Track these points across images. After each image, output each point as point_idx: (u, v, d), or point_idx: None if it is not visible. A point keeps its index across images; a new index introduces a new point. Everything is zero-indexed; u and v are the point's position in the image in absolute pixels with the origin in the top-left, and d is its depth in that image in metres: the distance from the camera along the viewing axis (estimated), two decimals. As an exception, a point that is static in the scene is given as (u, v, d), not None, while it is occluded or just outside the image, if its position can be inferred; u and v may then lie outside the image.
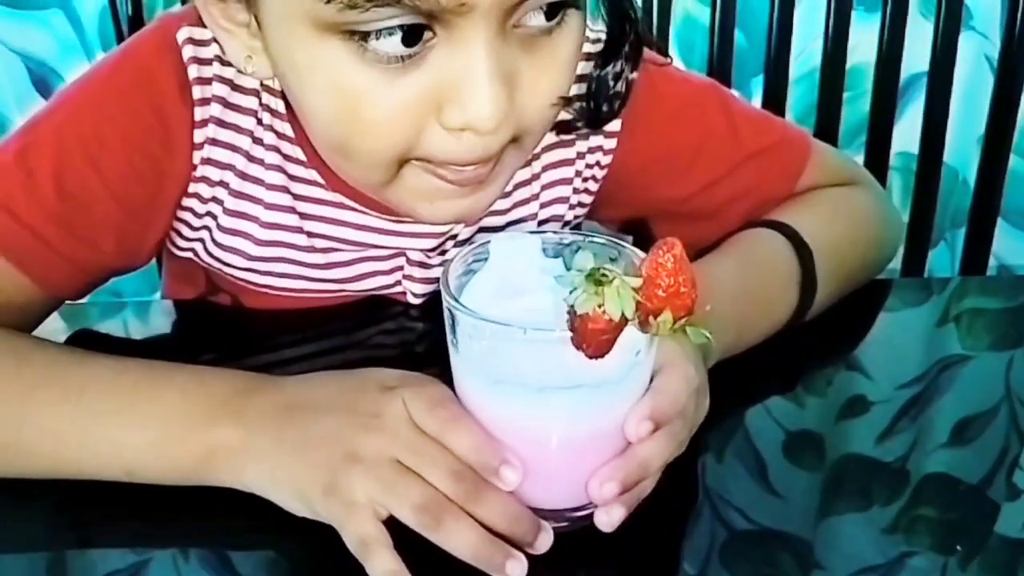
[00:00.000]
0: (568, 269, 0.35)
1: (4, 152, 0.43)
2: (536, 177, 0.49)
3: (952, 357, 0.48)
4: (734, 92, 0.56)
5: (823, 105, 0.75)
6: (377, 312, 0.50)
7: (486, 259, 0.36)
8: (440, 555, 0.33)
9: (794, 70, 0.76)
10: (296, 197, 0.47)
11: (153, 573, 0.35)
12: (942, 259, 1.00)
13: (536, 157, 0.49)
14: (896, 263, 0.66)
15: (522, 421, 0.34)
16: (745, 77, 0.86)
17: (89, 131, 0.43)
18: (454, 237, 0.49)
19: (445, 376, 0.36)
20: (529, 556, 0.34)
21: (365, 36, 0.35)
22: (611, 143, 0.49)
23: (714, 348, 0.39)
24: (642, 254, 0.33)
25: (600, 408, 0.34)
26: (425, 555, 0.33)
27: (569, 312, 0.31)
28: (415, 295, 0.50)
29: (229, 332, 0.50)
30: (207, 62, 0.44)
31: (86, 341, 0.47)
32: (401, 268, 0.50)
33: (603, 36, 0.44)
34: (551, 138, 0.48)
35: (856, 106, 0.82)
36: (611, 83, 0.43)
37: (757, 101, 0.78)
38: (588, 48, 0.43)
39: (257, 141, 0.45)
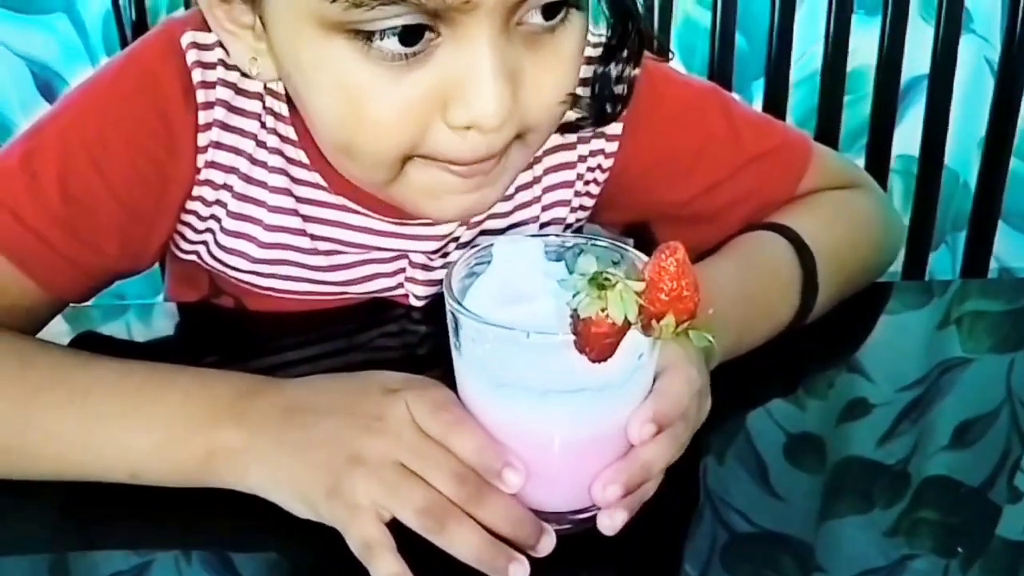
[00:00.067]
0: (570, 272, 0.35)
1: (9, 156, 0.43)
2: (538, 180, 0.50)
3: (953, 360, 0.48)
4: (735, 95, 0.57)
5: (824, 108, 0.75)
6: (379, 314, 0.50)
7: (489, 262, 0.36)
8: (443, 557, 0.33)
9: (795, 73, 0.76)
10: (299, 200, 0.47)
11: (155, 574, 0.35)
12: (943, 262, 1.00)
13: (538, 160, 0.49)
14: (897, 266, 0.66)
15: (525, 424, 0.34)
16: (746, 80, 0.86)
17: (93, 135, 0.43)
18: (456, 240, 0.49)
19: (447, 379, 0.36)
20: (531, 559, 0.34)
21: (370, 35, 0.35)
22: (612, 146, 0.49)
23: (716, 351, 0.39)
24: (644, 258, 0.33)
25: (603, 411, 0.34)
26: (428, 558, 0.33)
27: (572, 316, 0.31)
28: (417, 297, 0.50)
29: (232, 334, 0.50)
30: (211, 66, 0.44)
31: (90, 344, 0.48)
32: (403, 270, 0.50)
33: (604, 40, 0.44)
34: (553, 141, 0.48)
35: (857, 109, 0.82)
36: (614, 80, 0.43)
37: (758, 104, 0.78)
38: (590, 52, 0.43)
39: (261, 144, 0.46)
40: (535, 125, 0.39)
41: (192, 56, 0.43)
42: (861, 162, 0.76)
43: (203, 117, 0.44)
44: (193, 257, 0.49)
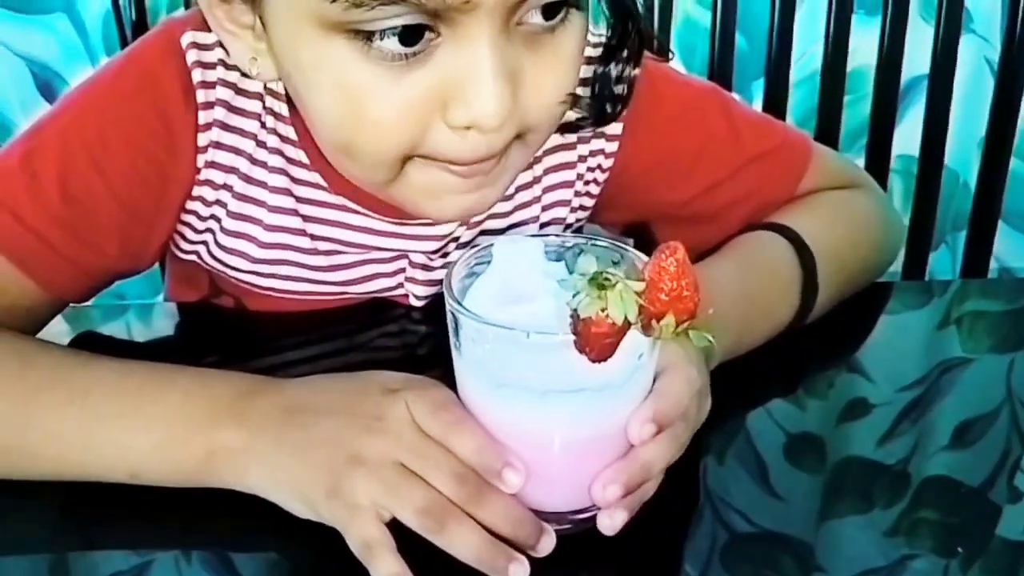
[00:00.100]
0: (570, 272, 0.35)
1: (9, 156, 0.43)
2: (538, 180, 0.50)
3: (953, 360, 0.48)
4: (735, 95, 0.57)
5: (824, 108, 0.75)
6: (379, 314, 0.50)
7: (489, 262, 0.36)
8: (443, 557, 0.33)
9: (795, 73, 0.76)
10: (299, 200, 0.47)
11: (156, 574, 0.35)
12: (943, 262, 1.00)
13: (538, 160, 0.49)
14: (897, 266, 0.66)
15: (525, 424, 0.34)
16: (746, 80, 0.86)
17: (93, 135, 0.43)
18: (456, 240, 0.49)
19: (447, 379, 0.36)
20: (531, 559, 0.34)
21: (370, 35, 0.35)
22: (612, 146, 0.49)
23: (716, 351, 0.39)
24: (644, 258, 0.33)
25: (603, 411, 0.34)
26: (428, 558, 0.33)
27: (572, 316, 0.31)
28: (417, 297, 0.50)
29: (232, 334, 0.50)
30: (211, 66, 0.44)
31: (90, 344, 0.48)
32: (403, 270, 0.50)
33: (604, 40, 0.44)
34: (553, 141, 0.48)
35: (857, 109, 0.82)
36: (614, 80, 0.43)
37: (758, 104, 0.78)
38: (590, 52, 0.43)
39: (261, 144, 0.46)
40: (535, 125, 0.39)
41: (192, 56, 0.43)
42: (861, 162, 0.76)
43: (203, 117, 0.44)
44: (193, 257, 0.49)
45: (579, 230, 0.53)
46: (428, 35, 0.35)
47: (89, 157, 0.43)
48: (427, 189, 0.40)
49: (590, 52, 0.43)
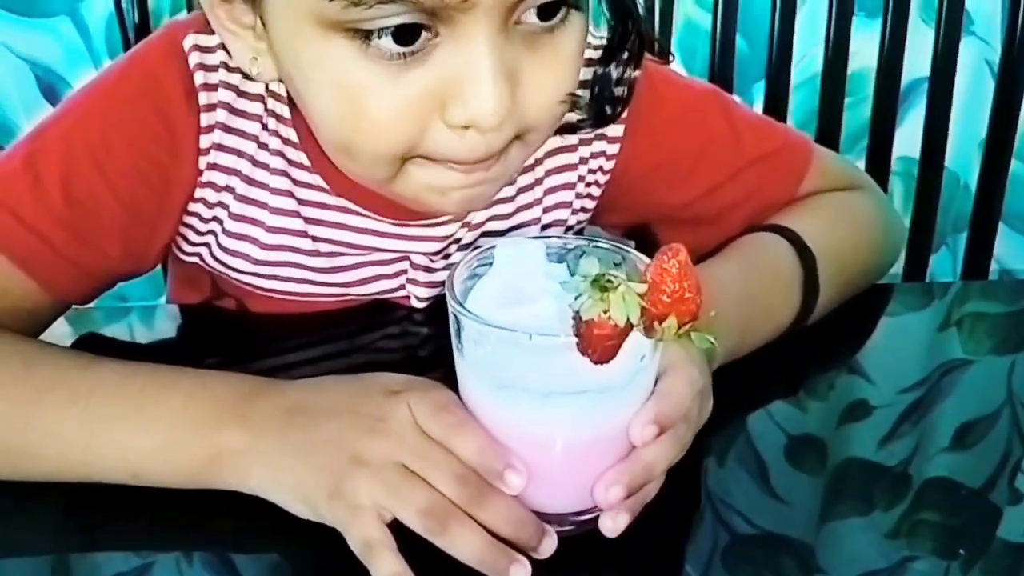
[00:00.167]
0: (572, 274, 0.35)
1: (12, 158, 0.43)
2: (539, 182, 0.50)
3: (954, 361, 0.48)
4: (735, 98, 0.57)
5: (824, 110, 0.75)
6: (381, 316, 0.50)
7: (491, 264, 0.36)
8: (443, 558, 0.33)
9: (795, 76, 0.76)
10: (301, 202, 0.47)
11: (157, 575, 0.35)
12: (943, 263, 1.00)
13: (539, 162, 0.49)
14: (898, 267, 0.66)
15: (527, 426, 0.34)
16: (746, 83, 0.86)
17: (96, 137, 0.43)
18: (458, 241, 0.50)
19: (449, 380, 0.36)
20: (533, 560, 0.34)
21: (368, 34, 0.35)
22: (614, 148, 0.50)
23: (718, 352, 0.39)
24: (646, 259, 0.33)
25: (605, 413, 0.34)
26: (429, 558, 0.33)
27: (574, 318, 0.31)
28: (419, 299, 0.50)
29: (234, 336, 0.50)
30: (213, 68, 0.44)
31: (92, 345, 0.48)
32: (405, 272, 0.50)
33: (604, 43, 0.44)
34: (554, 142, 0.48)
35: (857, 111, 0.83)
36: (614, 82, 0.43)
37: (758, 107, 0.78)
38: (591, 54, 0.43)
39: (262, 146, 0.46)
40: (535, 125, 0.39)
41: (194, 59, 0.43)
42: (862, 164, 0.76)
43: (205, 119, 0.44)
44: (195, 259, 0.49)
45: (580, 232, 0.53)
46: (426, 34, 0.35)
47: (92, 159, 0.43)
48: (429, 185, 0.40)
49: (591, 54, 0.43)
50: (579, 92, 0.41)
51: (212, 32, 0.43)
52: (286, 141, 0.46)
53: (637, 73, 0.43)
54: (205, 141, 0.44)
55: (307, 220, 0.47)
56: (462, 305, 0.34)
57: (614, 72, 0.43)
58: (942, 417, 0.44)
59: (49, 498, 0.38)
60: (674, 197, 0.51)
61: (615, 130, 0.49)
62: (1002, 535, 0.38)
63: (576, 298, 0.31)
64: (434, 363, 0.41)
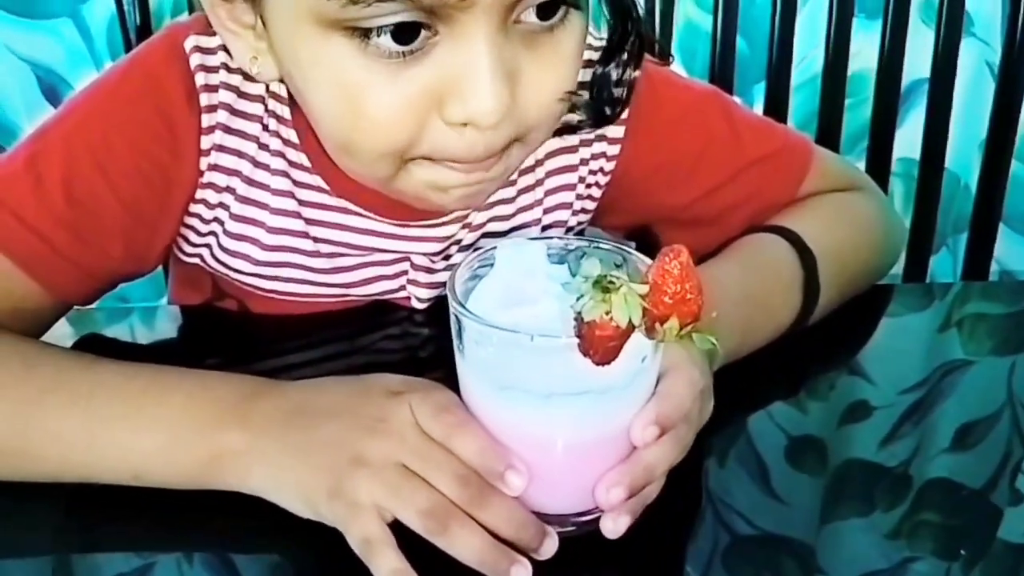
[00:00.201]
0: (573, 275, 0.35)
1: (14, 159, 0.43)
2: (540, 183, 0.50)
3: (954, 362, 0.49)
4: (736, 99, 0.57)
5: (825, 111, 0.75)
6: (382, 317, 0.50)
7: (492, 265, 0.36)
8: (444, 559, 0.33)
9: (796, 77, 0.76)
10: (301, 202, 0.47)
11: (159, 576, 0.35)
12: (944, 264, 1.00)
13: (540, 163, 0.49)
14: (898, 268, 0.66)
15: (528, 427, 0.34)
16: (747, 84, 0.86)
17: (98, 138, 0.43)
18: (458, 242, 0.50)
19: (450, 381, 0.36)
20: (534, 561, 0.34)
21: (367, 32, 0.35)
22: (614, 149, 0.50)
23: (719, 353, 0.39)
24: (647, 260, 0.33)
25: (606, 414, 0.34)
26: (430, 559, 0.33)
27: (576, 319, 0.31)
28: (420, 300, 0.50)
29: (235, 337, 0.50)
30: (214, 69, 0.44)
31: (93, 346, 0.48)
32: (406, 273, 0.50)
33: (604, 43, 0.44)
34: (555, 144, 0.48)
35: (858, 112, 0.83)
36: (614, 81, 0.43)
37: (759, 108, 0.78)
38: (591, 56, 0.44)
39: (263, 147, 0.46)
40: (534, 124, 0.39)
41: (195, 60, 0.43)
42: (862, 165, 0.77)
43: (206, 120, 0.44)
44: (196, 260, 0.49)
45: (581, 233, 0.53)
46: (425, 33, 0.36)
47: (93, 160, 0.43)
48: (430, 182, 0.40)
49: (591, 55, 0.43)
50: (579, 93, 0.41)
51: (213, 33, 0.43)
52: (287, 142, 0.46)
53: (637, 74, 0.43)
54: (206, 142, 0.45)
55: (308, 221, 0.47)
56: (463, 306, 0.34)
57: (614, 73, 0.43)
58: (942, 418, 0.44)
59: (50, 498, 0.38)
60: (674, 198, 0.51)
61: (615, 131, 0.49)
62: (1003, 536, 0.38)
63: (578, 299, 0.31)
64: (435, 364, 0.41)
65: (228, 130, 0.45)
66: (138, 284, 0.50)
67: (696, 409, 0.37)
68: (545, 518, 0.35)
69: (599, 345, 0.31)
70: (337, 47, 0.36)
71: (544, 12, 0.37)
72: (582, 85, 0.42)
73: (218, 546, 0.37)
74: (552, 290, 0.34)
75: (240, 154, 0.45)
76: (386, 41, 0.35)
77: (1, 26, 0.85)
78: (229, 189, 0.46)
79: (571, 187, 0.50)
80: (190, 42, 0.43)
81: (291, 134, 0.46)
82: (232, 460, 0.36)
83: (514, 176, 0.48)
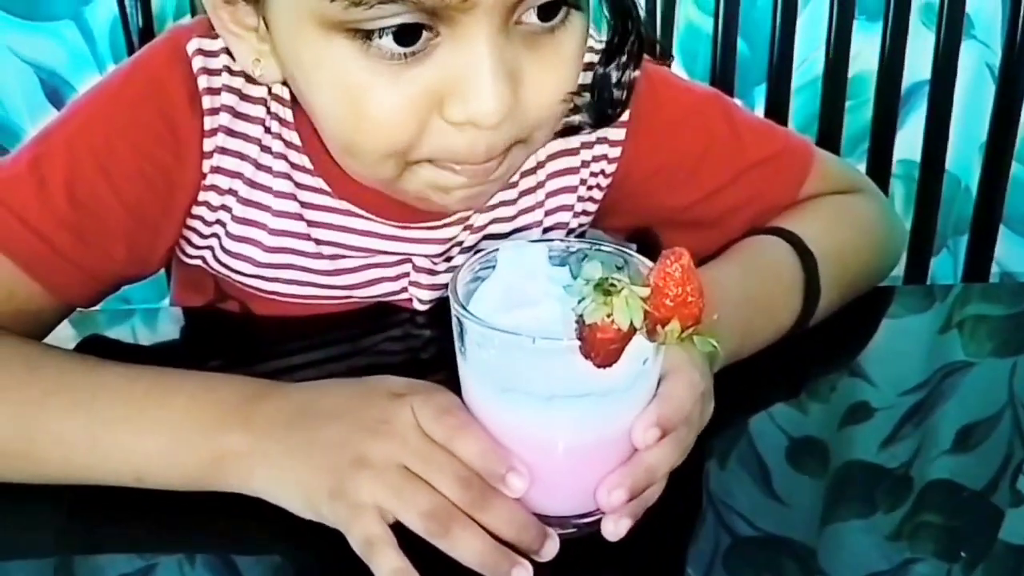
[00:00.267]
0: (574, 277, 0.35)
1: (17, 161, 0.44)
2: (541, 185, 0.50)
3: (955, 364, 0.49)
4: (737, 101, 0.57)
5: (825, 113, 0.76)
6: (384, 319, 0.50)
7: (493, 267, 0.36)
8: (444, 559, 0.34)
9: (796, 79, 0.77)
10: (303, 205, 0.47)
11: (161, 578, 0.35)
12: (944, 266, 1.00)
13: (541, 165, 0.49)
14: (899, 270, 0.66)
15: (529, 429, 0.34)
16: (748, 86, 0.86)
17: (101, 141, 0.43)
18: (460, 244, 0.50)
19: (451, 383, 0.36)
20: (535, 563, 0.34)
21: (369, 34, 0.35)
22: (615, 152, 0.50)
23: (720, 355, 0.39)
24: (649, 263, 0.33)
25: (607, 416, 0.34)
26: (432, 561, 0.33)
27: (578, 321, 0.31)
28: (421, 301, 0.50)
29: (237, 339, 0.50)
30: (216, 72, 0.44)
31: (96, 348, 0.48)
32: (407, 274, 0.50)
33: (604, 45, 0.44)
34: (556, 146, 0.48)
35: (858, 114, 0.83)
36: (614, 82, 0.43)
37: (760, 110, 0.78)
38: (591, 57, 0.44)
39: (265, 149, 0.46)
40: (536, 124, 0.39)
41: (198, 63, 0.44)
42: (863, 167, 0.77)
43: (209, 123, 0.44)
44: (199, 261, 0.49)
45: (582, 235, 0.53)
46: (427, 34, 0.36)
47: (96, 163, 0.43)
48: (432, 183, 0.40)
49: (591, 57, 0.43)
50: (580, 94, 0.41)
51: (215, 36, 0.43)
52: (289, 144, 0.46)
53: (637, 74, 0.43)
54: (208, 144, 0.45)
55: (310, 223, 0.47)
56: (465, 308, 0.34)
57: (614, 74, 0.43)
58: (943, 419, 0.44)
59: (53, 500, 0.38)
60: (675, 200, 0.51)
61: (617, 133, 0.49)
62: (1004, 537, 0.38)
63: (579, 302, 0.31)
64: (436, 366, 0.42)
65: (230, 133, 0.45)
66: (140, 286, 0.50)
67: (697, 411, 0.37)
68: (546, 520, 0.35)
69: (600, 347, 0.31)
70: (339, 49, 0.36)
71: (545, 13, 0.37)
72: (583, 87, 0.42)
73: (220, 547, 0.37)
74: (553, 292, 0.34)
75: (242, 156, 0.46)
76: (388, 42, 0.36)
77: (4, 28, 0.85)
78: (231, 191, 0.46)
79: (572, 189, 0.50)
80: (193, 45, 0.44)
81: (293, 136, 0.46)
82: (234, 461, 0.36)
83: (515, 178, 0.48)
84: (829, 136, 0.75)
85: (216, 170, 0.45)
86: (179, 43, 0.44)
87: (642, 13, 0.43)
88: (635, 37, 0.43)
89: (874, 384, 0.47)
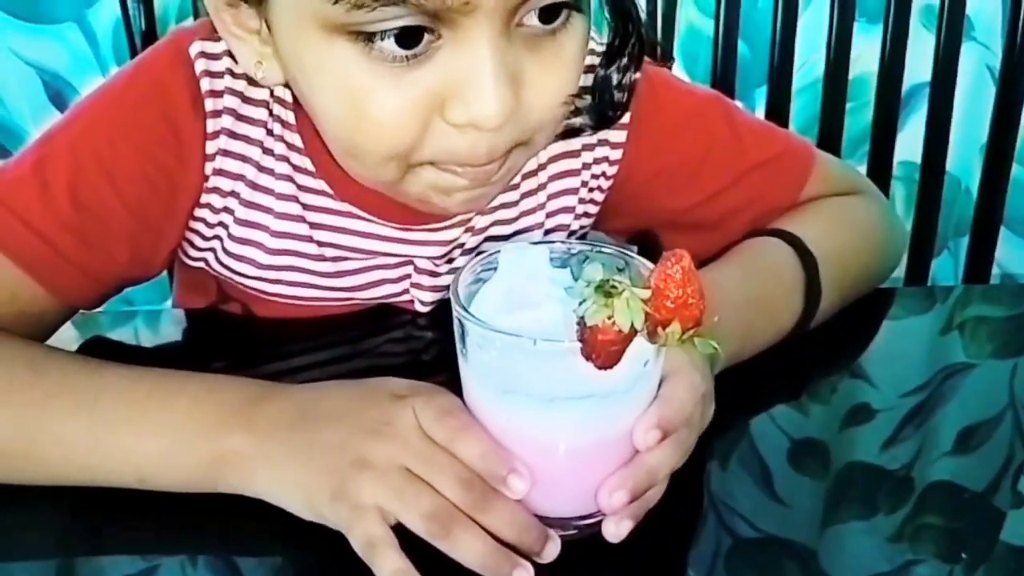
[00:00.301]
0: (575, 279, 0.35)
1: (20, 164, 0.44)
2: (543, 187, 0.50)
3: (956, 365, 0.49)
4: (738, 103, 0.57)
5: (826, 115, 0.76)
6: (385, 320, 0.50)
7: (495, 269, 0.36)
8: (446, 560, 0.34)
9: (797, 81, 0.77)
10: (305, 207, 0.47)
11: (163, 579, 0.36)
12: (945, 268, 1.00)
13: (543, 167, 0.49)
14: (899, 272, 0.66)
15: (531, 430, 0.34)
16: (749, 88, 0.86)
17: (103, 143, 0.43)
18: (461, 246, 0.50)
19: (453, 385, 0.36)
20: (536, 565, 0.34)
21: (371, 36, 0.36)
22: (616, 154, 0.50)
23: (720, 357, 0.40)
24: (650, 265, 0.33)
25: (608, 418, 0.34)
26: (433, 562, 0.33)
27: (579, 323, 0.31)
28: (423, 303, 0.51)
29: (239, 340, 0.50)
30: (219, 75, 0.44)
31: (98, 350, 0.48)
32: (409, 276, 0.50)
33: (605, 47, 0.44)
34: (558, 147, 0.48)
35: (859, 116, 0.83)
36: (614, 84, 0.43)
37: (760, 112, 0.78)
38: (592, 60, 0.44)
39: (267, 152, 0.46)
40: (537, 126, 0.39)
41: (200, 65, 0.44)
42: (863, 169, 0.77)
43: (211, 125, 0.44)
44: (201, 264, 0.50)
45: (583, 237, 0.53)
46: (429, 37, 0.36)
47: (99, 165, 0.43)
48: (434, 185, 0.40)
49: (592, 60, 0.43)
50: (581, 96, 0.41)
51: (218, 39, 0.43)
52: (291, 146, 0.46)
53: (637, 76, 0.43)
54: (211, 147, 0.45)
55: (312, 225, 0.48)
56: (466, 310, 0.34)
57: (615, 76, 0.43)
58: (944, 421, 0.44)
59: (55, 501, 0.38)
60: (676, 202, 0.51)
61: (618, 135, 0.49)
62: (1005, 539, 0.38)
63: (580, 303, 0.31)
64: (438, 367, 0.42)
65: (233, 135, 0.45)
66: (143, 288, 0.50)
67: (698, 413, 0.37)
68: (547, 521, 0.35)
69: (601, 349, 0.31)
70: (341, 51, 0.36)
71: (547, 15, 0.37)
72: (583, 89, 0.42)
73: (222, 549, 0.37)
74: (555, 294, 0.35)
75: (244, 159, 0.46)
76: (390, 45, 0.36)
77: (7, 31, 0.85)
78: (233, 193, 0.46)
79: (574, 191, 0.50)
80: (195, 47, 0.44)
81: (295, 138, 0.46)
82: (236, 463, 0.37)
83: (517, 180, 0.48)
84: (830, 138, 0.75)
85: (218, 172, 0.45)
86: (182, 46, 0.44)
87: (643, 15, 0.43)
88: (636, 39, 0.43)
89: (875, 385, 0.47)
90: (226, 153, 0.45)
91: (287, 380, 0.40)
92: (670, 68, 0.50)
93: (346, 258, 0.49)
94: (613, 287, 0.30)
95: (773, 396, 0.45)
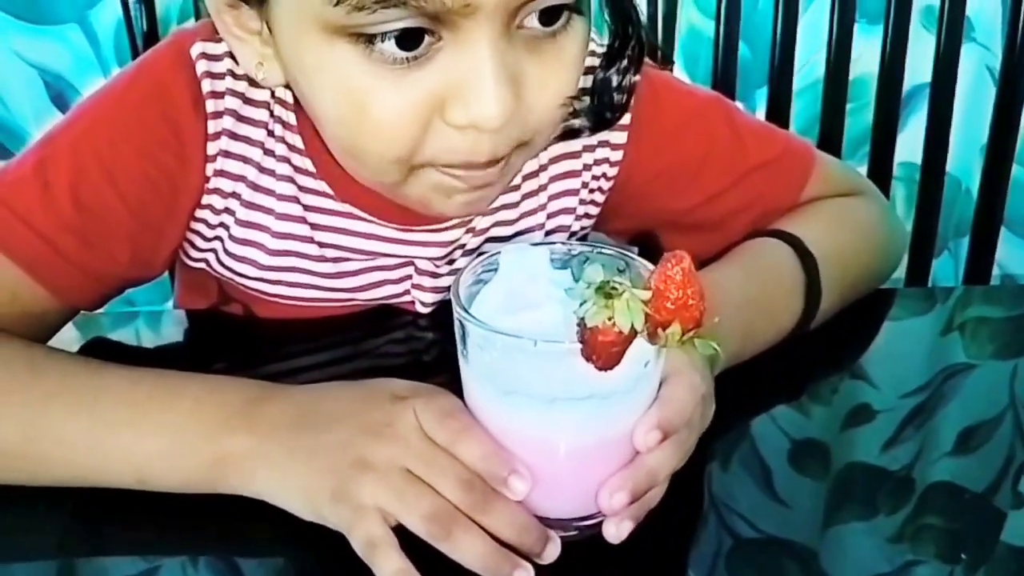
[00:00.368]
0: (576, 280, 0.35)
1: (22, 165, 0.44)
2: (543, 188, 0.50)
3: (956, 366, 0.49)
4: (738, 104, 0.57)
5: (826, 116, 0.76)
6: (386, 321, 0.50)
7: (495, 270, 0.36)
8: (446, 561, 0.34)
9: (798, 82, 0.77)
10: (306, 208, 0.47)
11: (164, 580, 0.36)
12: (945, 268, 1.00)
13: (543, 168, 0.49)
14: (900, 272, 0.67)
15: (531, 431, 0.34)
16: (749, 89, 0.86)
17: (105, 144, 0.43)
18: (462, 247, 0.50)
19: (454, 386, 0.36)
20: (536, 566, 0.34)
21: (371, 38, 0.36)
22: (617, 155, 0.50)
23: (721, 358, 0.40)
24: (650, 266, 0.33)
25: (609, 419, 0.34)
26: (434, 563, 0.33)
27: (579, 324, 0.31)
28: (424, 304, 0.51)
29: (240, 341, 0.50)
30: (220, 76, 0.44)
31: (99, 350, 0.48)
32: (410, 277, 0.50)
33: (605, 49, 0.44)
34: (558, 149, 0.49)
35: (859, 117, 0.83)
36: (614, 85, 0.43)
37: (761, 113, 0.78)
38: (593, 62, 0.44)
39: (268, 153, 0.46)
40: (537, 128, 0.40)
41: (202, 66, 0.44)
42: (863, 169, 0.77)
43: (212, 126, 0.44)
44: (202, 264, 0.50)
45: (584, 238, 0.53)
46: (429, 39, 0.36)
47: (101, 166, 0.43)
48: (435, 187, 0.40)
49: (592, 61, 0.43)
50: (580, 97, 0.41)
51: (219, 40, 0.43)
52: (292, 147, 0.46)
53: (637, 78, 0.43)
54: (212, 148, 0.45)
55: (313, 226, 0.48)
56: (467, 311, 0.34)
57: (615, 78, 0.43)
58: (945, 421, 0.44)
59: (55, 502, 0.38)
60: (677, 203, 0.51)
61: (619, 136, 0.49)
62: (1005, 539, 0.38)
63: (581, 304, 0.31)
64: (439, 368, 0.42)
65: (234, 136, 0.45)
66: (144, 288, 0.50)
67: (698, 414, 0.37)
68: (548, 522, 0.35)
69: (602, 350, 0.31)
70: (342, 53, 0.36)
71: (547, 17, 0.37)
72: (583, 91, 0.42)
73: (222, 549, 0.37)
74: (555, 295, 0.35)
75: (245, 160, 0.46)
76: (390, 47, 0.36)
77: (9, 32, 0.86)
78: (234, 194, 0.46)
79: (574, 192, 0.50)
80: (196, 48, 0.44)
81: (296, 139, 0.46)
82: (236, 463, 0.37)
83: (517, 181, 0.48)
84: (830, 139, 0.75)
85: (220, 173, 0.46)
86: (183, 47, 0.44)
87: (643, 17, 0.44)
88: (635, 41, 0.43)
89: (875, 386, 0.47)
90: (227, 154, 0.45)
91: (288, 381, 0.40)
92: (670, 71, 0.50)
93: (347, 259, 0.49)
94: (613, 288, 0.30)
95: (773, 397, 0.45)
